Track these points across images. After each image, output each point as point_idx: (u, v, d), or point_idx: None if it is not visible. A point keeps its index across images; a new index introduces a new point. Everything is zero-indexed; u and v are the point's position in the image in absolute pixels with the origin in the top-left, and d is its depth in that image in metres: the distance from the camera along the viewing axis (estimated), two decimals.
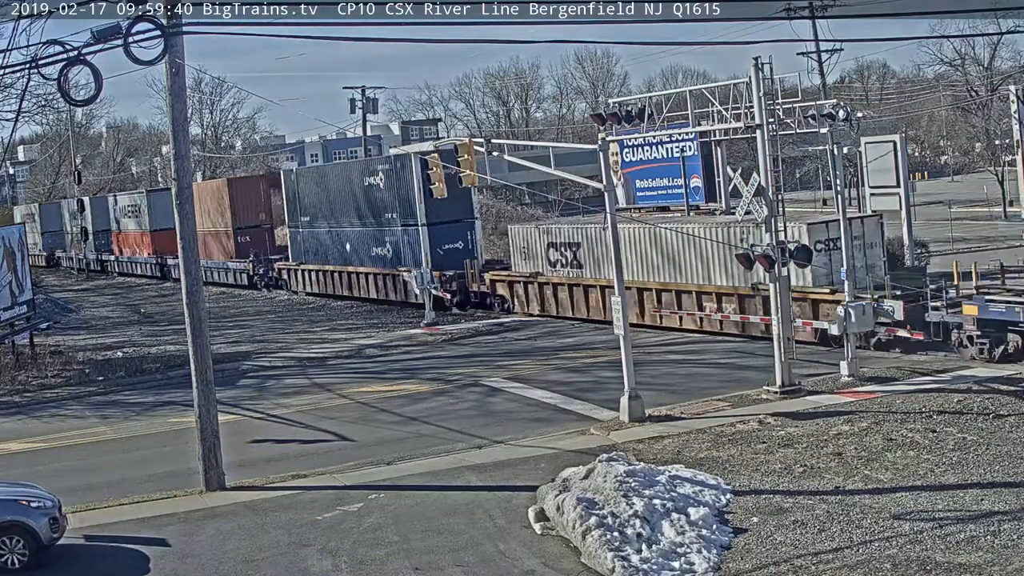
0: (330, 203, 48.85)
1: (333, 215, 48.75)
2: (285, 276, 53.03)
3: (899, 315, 26.32)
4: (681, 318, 32.44)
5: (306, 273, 51.05)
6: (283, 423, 25.66)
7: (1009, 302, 24.98)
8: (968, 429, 19.63)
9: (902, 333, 26.45)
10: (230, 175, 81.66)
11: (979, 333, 25.45)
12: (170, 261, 60.33)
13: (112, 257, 73.69)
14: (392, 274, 44.10)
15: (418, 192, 41.47)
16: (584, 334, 34.51)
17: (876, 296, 26.24)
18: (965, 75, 78.57)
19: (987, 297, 25.67)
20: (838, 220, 26.70)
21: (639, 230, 33.58)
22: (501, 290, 40.21)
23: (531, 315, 38.42)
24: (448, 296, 41.28)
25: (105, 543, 17.54)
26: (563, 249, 37.56)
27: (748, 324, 30.12)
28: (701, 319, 31.89)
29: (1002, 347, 25.04)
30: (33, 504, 16.73)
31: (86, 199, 77.55)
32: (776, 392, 23.55)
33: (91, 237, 74.86)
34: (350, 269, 47.23)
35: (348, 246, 47.66)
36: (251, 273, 55.24)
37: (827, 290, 28.14)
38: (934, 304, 25.97)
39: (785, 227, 24.40)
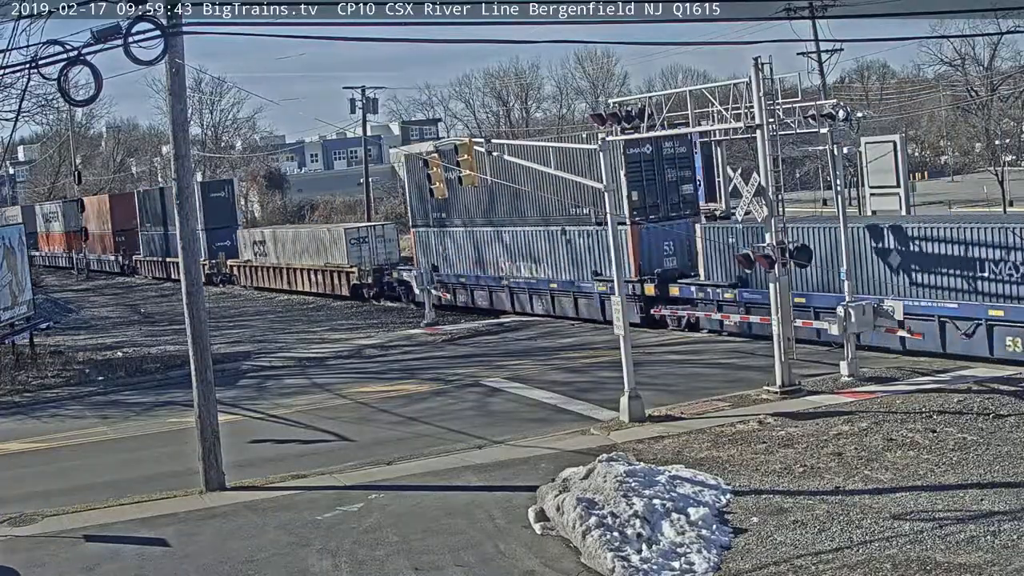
0: (158, 213, 66.96)
1: (162, 222, 65.39)
2: (136, 265, 72.70)
3: (899, 315, 26.31)
4: None
5: (148, 263, 70.02)
6: (283, 423, 25.67)
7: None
8: (968, 429, 19.63)
9: (902, 333, 26.45)
10: (230, 174, 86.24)
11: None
12: (75, 256, 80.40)
13: (37, 253, 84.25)
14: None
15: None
16: (584, 334, 34.52)
17: None
18: (965, 75, 78.62)
19: None
20: (369, 224, 31.54)
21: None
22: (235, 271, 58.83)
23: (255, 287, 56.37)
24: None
25: (105, 543, 17.53)
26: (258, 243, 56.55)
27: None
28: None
29: None
30: None
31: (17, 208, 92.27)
32: (776, 392, 23.55)
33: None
34: (168, 260, 64.07)
35: (168, 244, 63.59)
36: (121, 263, 74.11)
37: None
38: None
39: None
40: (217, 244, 60.00)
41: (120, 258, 73.87)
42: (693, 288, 32.29)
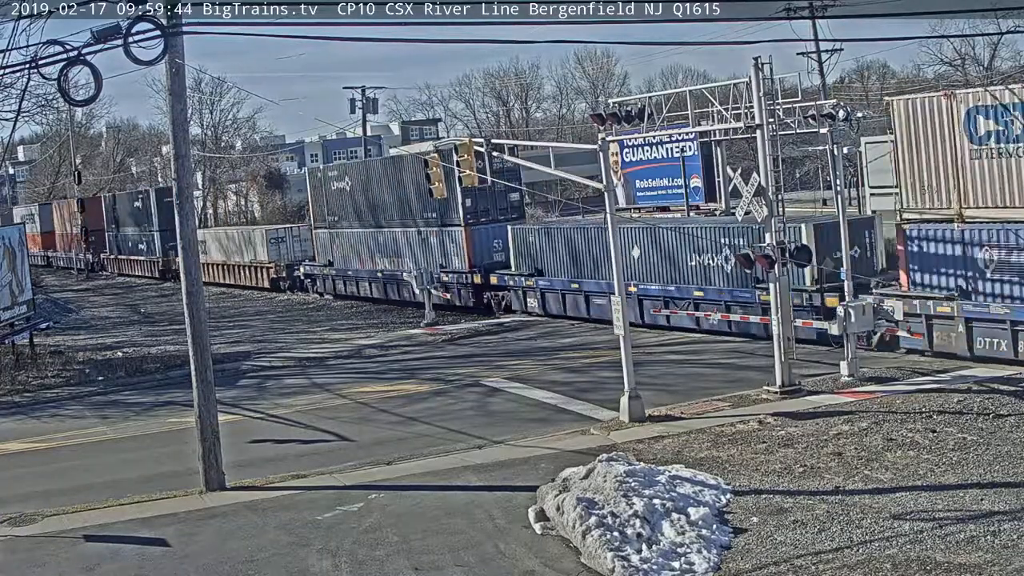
0: (118, 218, 76.14)
1: (126, 224, 74.69)
2: (103, 262, 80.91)
3: (899, 315, 26.33)
4: None
5: (121, 262, 76.81)
6: (283, 423, 25.67)
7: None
8: (968, 429, 19.63)
9: (902, 333, 26.46)
10: (230, 174, 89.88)
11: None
12: (50, 254, 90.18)
13: None
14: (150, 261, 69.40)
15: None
16: (584, 334, 34.53)
17: None
18: (965, 75, 78.55)
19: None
20: (286, 226, 33.43)
21: None
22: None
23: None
24: None
25: (105, 543, 17.52)
26: (200, 243, 62.42)
27: None
28: None
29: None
30: None
31: None
32: (776, 392, 23.55)
33: None
34: (131, 258, 74.63)
35: (130, 244, 74.39)
36: (90, 261, 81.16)
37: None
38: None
39: None
40: (169, 244, 62.80)
41: (90, 256, 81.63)
42: (506, 277, 39.61)
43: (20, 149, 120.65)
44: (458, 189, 37.87)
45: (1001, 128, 24.48)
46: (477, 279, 40.72)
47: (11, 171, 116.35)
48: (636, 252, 34.03)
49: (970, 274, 25.59)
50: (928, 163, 26.26)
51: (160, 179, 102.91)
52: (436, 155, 31.30)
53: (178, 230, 20.19)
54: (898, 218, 27.40)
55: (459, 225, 40.97)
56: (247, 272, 56.80)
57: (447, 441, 22.30)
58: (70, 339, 43.45)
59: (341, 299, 48.68)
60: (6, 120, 68.73)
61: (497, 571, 14.99)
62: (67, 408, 29.74)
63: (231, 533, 17.52)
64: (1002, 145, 24.53)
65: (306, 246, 53.80)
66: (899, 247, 27.44)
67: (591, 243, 35.82)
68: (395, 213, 45.01)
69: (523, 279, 38.71)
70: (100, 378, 33.77)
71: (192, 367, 20.06)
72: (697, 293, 31.99)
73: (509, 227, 40.00)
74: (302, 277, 52.13)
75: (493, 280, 40.15)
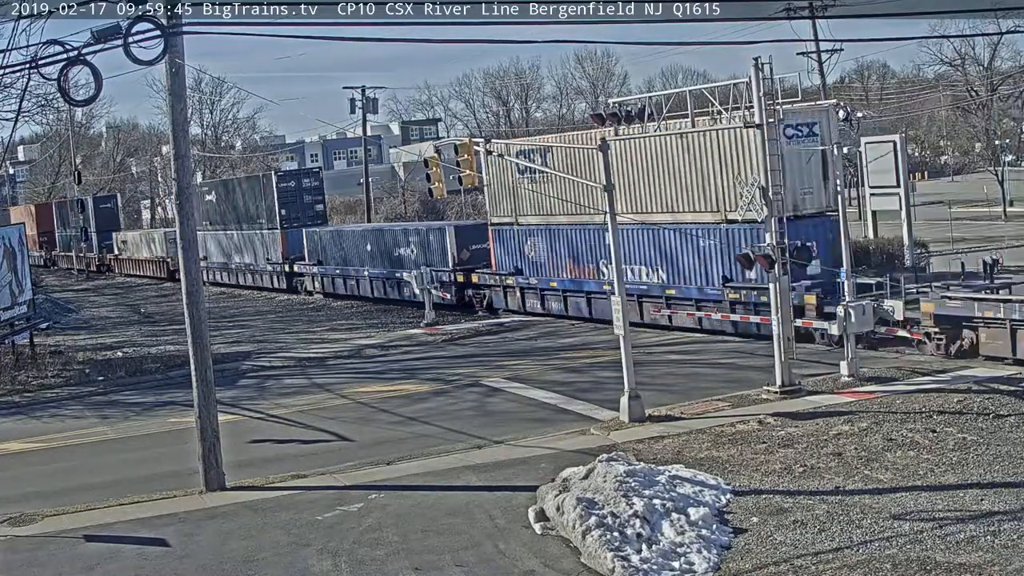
0: (65, 221, 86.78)
1: (71, 226, 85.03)
2: (55, 258, 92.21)
3: (899, 315, 26.34)
4: None
5: (67, 257, 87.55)
6: (283, 423, 25.66)
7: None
8: (968, 429, 19.63)
9: (902, 333, 26.48)
10: (230, 175, 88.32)
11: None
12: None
13: None
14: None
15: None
16: (584, 334, 34.53)
17: None
18: (965, 75, 78.57)
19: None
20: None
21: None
22: (112, 263, 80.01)
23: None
24: None
25: (105, 543, 17.52)
26: (122, 243, 78.56)
27: None
28: None
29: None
30: None
31: None
32: (776, 392, 23.55)
33: None
34: (70, 253, 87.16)
35: (72, 242, 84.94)
36: (45, 257, 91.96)
37: None
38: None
39: None
40: (104, 243, 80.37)
41: (44, 253, 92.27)
42: (304, 265, 53.21)
43: (20, 149, 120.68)
44: (276, 202, 54.72)
45: (530, 165, 36.55)
46: (287, 268, 54.71)
47: (11, 171, 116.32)
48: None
49: (519, 258, 39.31)
50: (500, 188, 39.93)
51: (160, 179, 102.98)
52: (436, 155, 31.33)
53: (178, 230, 20.19)
54: (490, 221, 40.64)
55: (277, 228, 55.30)
56: (152, 266, 71.33)
57: (447, 441, 22.30)
58: (70, 339, 43.45)
59: (215, 285, 61.74)
60: (6, 120, 69.24)
61: (497, 571, 14.99)
62: (67, 408, 29.73)
63: (231, 533, 17.51)
64: (531, 176, 37.87)
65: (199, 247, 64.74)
66: (491, 242, 40.59)
67: (359, 241, 48.61)
68: (241, 219, 59.46)
69: (313, 266, 52.10)
70: (100, 378, 33.76)
71: (192, 367, 20.06)
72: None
73: (304, 231, 53.28)
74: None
75: (296, 268, 53.92)
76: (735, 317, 30.75)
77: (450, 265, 41.66)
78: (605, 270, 34.74)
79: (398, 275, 43.27)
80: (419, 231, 44.32)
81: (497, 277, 40.11)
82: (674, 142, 32.31)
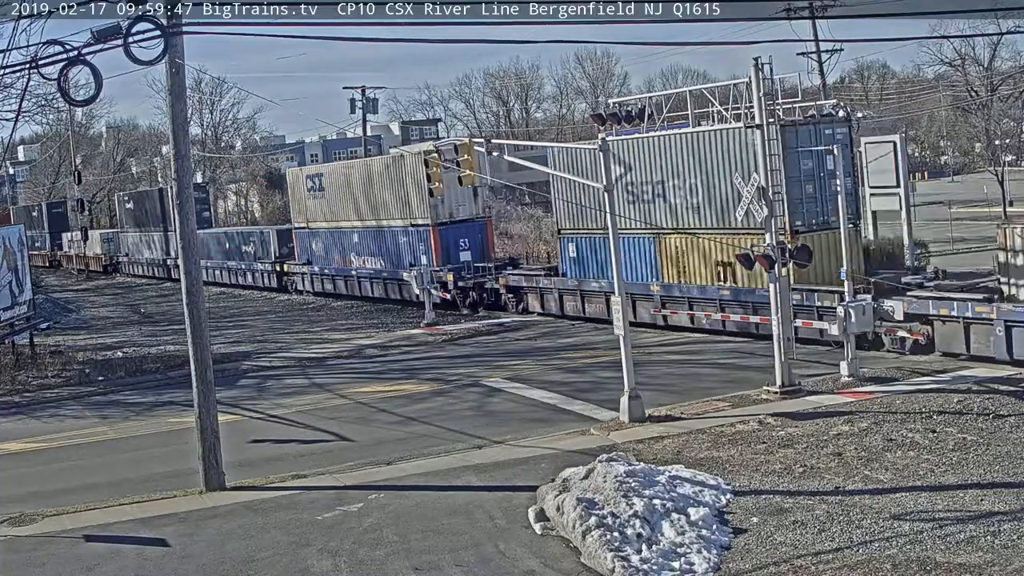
0: (24, 223, 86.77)
1: (28, 228, 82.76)
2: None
3: (899, 315, 26.34)
4: None
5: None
6: (283, 423, 25.67)
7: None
8: (968, 429, 19.63)
9: (902, 333, 26.47)
10: (230, 174, 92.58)
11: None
12: None
13: None
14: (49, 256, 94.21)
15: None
16: (584, 334, 34.53)
17: None
18: (965, 75, 78.51)
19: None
20: (113, 231, 55.31)
21: None
22: (63, 260, 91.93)
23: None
24: None
25: (105, 543, 17.53)
26: (70, 242, 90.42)
27: None
28: None
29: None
30: None
31: None
32: (776, 392, 23.55)
33: None
34: (31, 252, 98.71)
35: (28, 242, 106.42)
36: None
37: None
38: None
39: None
40: (56, 242, 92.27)
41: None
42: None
43: (20, 149, 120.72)
44: (173, 209, 63.20)
45: (314, 184, 52.01)
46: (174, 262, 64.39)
47: (11, 171, 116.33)
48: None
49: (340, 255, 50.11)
50: (295, 201, 54.70)
51: (160, 179, 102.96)
52: (436, 155, 31.34)
53: (178, 230, 20.19)
54: (293, 226, 54.00)
55: (168, 231, 65.28)
56: (92, 262, 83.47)
57: (447, 441, 22.30)
58: (70, 339, 43.46)
59: (133, 276, 75.87)
60: (6, 120, 69.56)
61: (497, 571, 14.99)
62: (67, 408, 29.74)
63: (231, 533, 17.52)
64: (313, 192, 52.00)
65: (120, 244, 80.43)
66: (294, 241, 54.40)
67: (222, 241, 62.13)
68: (148, 223, 71.83)
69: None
70: (100, 378, 33.76)
71: (192, 367, 20.06)
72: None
73: (201, 231, 55.30)
74: (116, 263, 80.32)
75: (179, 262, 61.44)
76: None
77: (272, 257, 56.52)
78: (354, 260, 48.80)
79: (244, 266, 59.77)
80: (255, 233, 60.91)
81: (298, 266, 53.85)
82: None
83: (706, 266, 31.97)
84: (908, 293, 26.84)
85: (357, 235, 48.32)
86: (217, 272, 62.13)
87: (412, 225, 44.12)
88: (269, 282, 56.50)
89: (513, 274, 40.09)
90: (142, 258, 74.24)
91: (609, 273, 31.99)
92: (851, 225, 28.15)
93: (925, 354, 26.03)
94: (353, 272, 48.59)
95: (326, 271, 51.09)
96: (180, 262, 20.27)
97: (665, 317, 33.18)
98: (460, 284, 41.64)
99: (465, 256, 42.76)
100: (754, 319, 29.76)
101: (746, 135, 28.80)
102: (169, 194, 63.21)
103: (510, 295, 40.09)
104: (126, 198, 78.98)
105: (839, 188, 26.70)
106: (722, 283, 31.38)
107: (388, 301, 45.98)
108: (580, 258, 36.83)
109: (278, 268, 55.47)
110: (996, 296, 25.23)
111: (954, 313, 25.43)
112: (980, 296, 25.57)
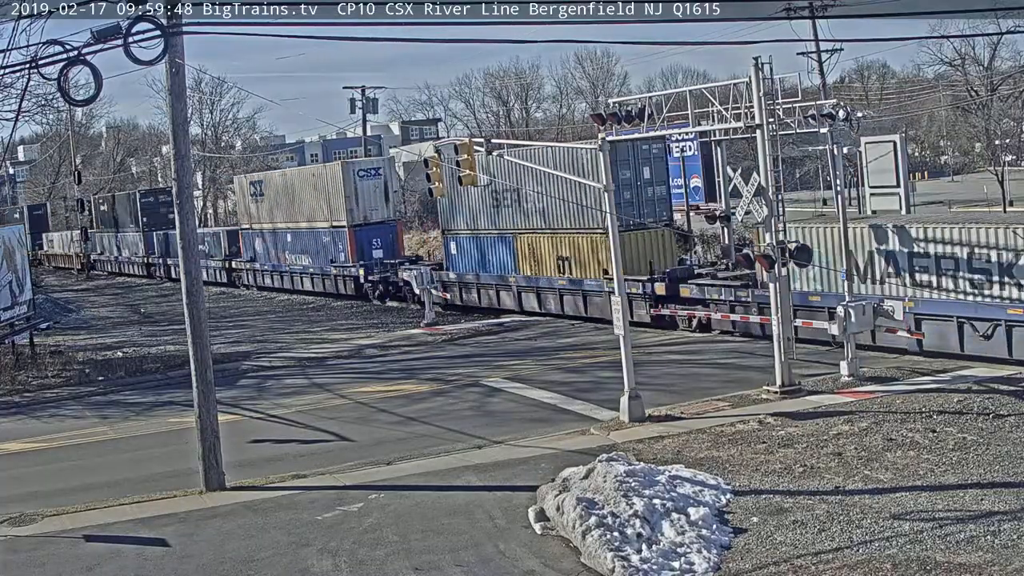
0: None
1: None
2: None
3: (899, 315, 26.31)
4: None
5: None
6: (283, 423, 25.67)
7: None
8: (968, 429, 19.63)
9: (902, 333, 26.45)
10: (230, 174, 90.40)
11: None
12: None
13: None
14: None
15: None
16: (584, 334, 34.54)
17: None
18: (965, 75, 78.51)
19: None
20: (93, 231, 63.32)
21: None
22: (42, 259, 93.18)
23: None
24: None
25: (105, 543, 17.53)
26: (48, 241, 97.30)
27: None
28: None
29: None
30: None
31: None
32: (776, 392, 23.55)
33: None
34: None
35: None
36: None
37: None
38: None
39: None
40: (36, 242, 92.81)
41: None
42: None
43: (20, 149, 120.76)
44: (139, 213, 72.25)
45: (256, 190, 56.95)
46: (147, 260, 71.65)
47: (11, 171, 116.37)
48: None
49: (277, 253, 55.35)
50: (242, 205, 59.87)
51: (160, 179, 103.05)
52: (436, 155, 31.35)
53: (178, 230, 20.18)
54: (240, 227, 57.50)
55: (140, 231, 72.31)
56: (65, 261, 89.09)
57: (447, 441, 22.30)
58: (70, 339, 43.45)
59: (113, 275, 79.81)
60: (6, 120, 69.69)
61: (497, 571, 14.99)
62: (67, 408, 29.73)
63: (231, 533, 17.52)
64: (255, 198, 57.20)
65: (97, 243, 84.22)
66: (240, 241, 59.16)
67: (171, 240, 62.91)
68: (121, 224, 76.84)
69: (159, 258, 69.47)
70: (100, 378, 33.76)
71: (192, 367, 20.06)
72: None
73: (154, 234, 68.97)
74: (92, 261, 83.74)
75: (150, 260, 70.93)
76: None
77: (222, 255, 60.79)
78: (289, 258, 53.88)
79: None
80: (208, 233, 63.84)
81: (244, 263, 58.73)
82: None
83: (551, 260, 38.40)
84: (690, 280, 32.40)
85: (290, 235, 53.56)
86: (173, 270, 66.86)
87: (333, 226, 49.35)
88: (220, 278, 61.21)
89: (407, 270, 43.72)
90: (123, 256, 78.72)
91: (486, 267, 41.29)
92: (666, 225, 35.93)
93: (706, 331, 31.86)
94: (287, 268, 54.27)
95: (266, 267, 56.61)
96: (180, 262, 20.25)
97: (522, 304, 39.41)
98: (370, 278, 46.50)
99: (378, 254, 47.59)
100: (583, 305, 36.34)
101: (589, 153, 31.66)
102: (136, 197, 74.09)
103: (408, 288, 43.49)
104: (100, 200, 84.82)
105: (838, 187, 26.74)
106: (561, 275, 37.49)
107: (316, 294, 51.96)
108: (460, 254, 42.72)
109: (227, 265, 60.76)
110: (751, 283, 30.12)
111: (722, 297, 31.24)
112: (740, 283, 30.85)
